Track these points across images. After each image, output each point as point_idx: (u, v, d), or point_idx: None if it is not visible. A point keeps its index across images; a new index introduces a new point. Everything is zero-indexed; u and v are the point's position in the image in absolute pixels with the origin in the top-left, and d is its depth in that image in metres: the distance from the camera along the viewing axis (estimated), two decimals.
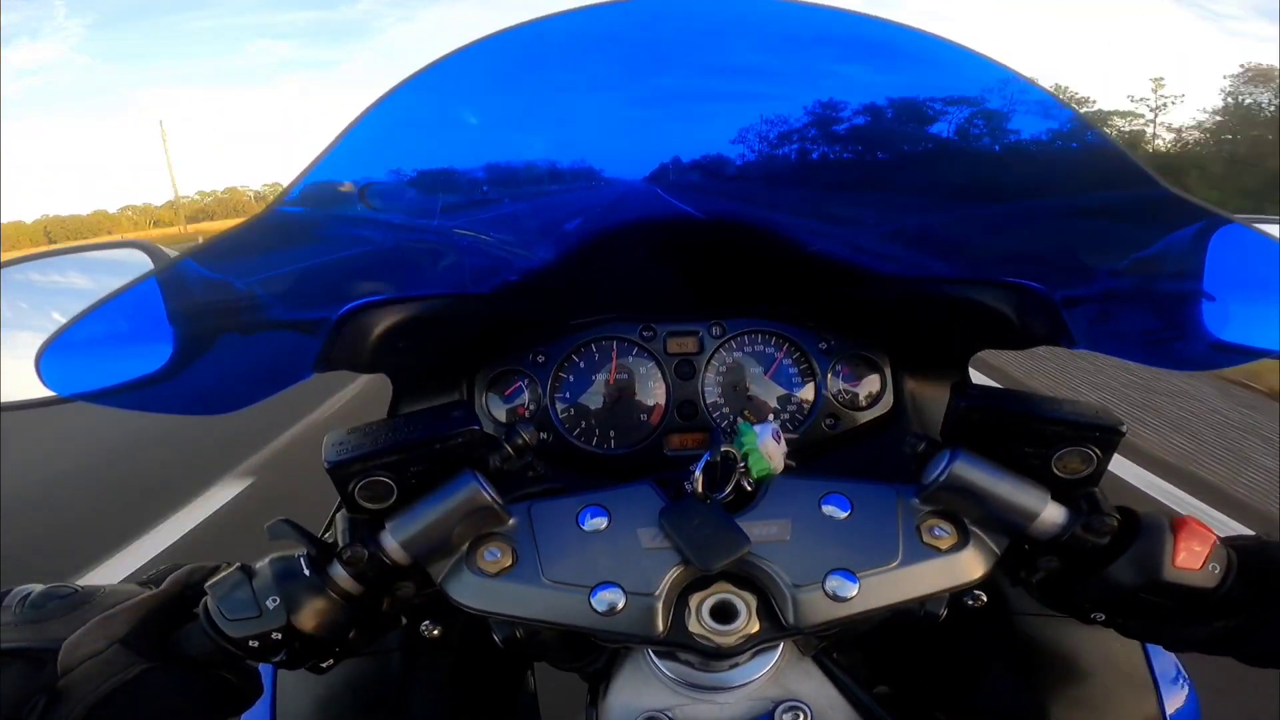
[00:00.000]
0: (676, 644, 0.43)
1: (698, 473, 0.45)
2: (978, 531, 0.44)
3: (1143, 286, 0.53)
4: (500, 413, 0.73)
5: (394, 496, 0.43)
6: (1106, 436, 0.42)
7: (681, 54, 0.53)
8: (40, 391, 0.48)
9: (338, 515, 0.45)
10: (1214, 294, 0.49)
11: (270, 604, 0.41)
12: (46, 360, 0.45)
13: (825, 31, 0.51)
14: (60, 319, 0.46)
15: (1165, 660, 0.60)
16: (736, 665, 0.49)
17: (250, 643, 0.41)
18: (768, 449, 0.46)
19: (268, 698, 0.59)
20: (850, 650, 0.65)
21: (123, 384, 0.48)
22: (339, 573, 0.43)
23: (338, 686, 0.60)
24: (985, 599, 0.58)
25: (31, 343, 0.46)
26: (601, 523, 0.44)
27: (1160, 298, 0.53)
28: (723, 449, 0.45)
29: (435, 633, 0.58)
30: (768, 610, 0.43)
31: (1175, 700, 0.57)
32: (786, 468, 0.48)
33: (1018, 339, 0.56)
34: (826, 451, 0.72)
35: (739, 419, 0.47)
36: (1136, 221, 0.51)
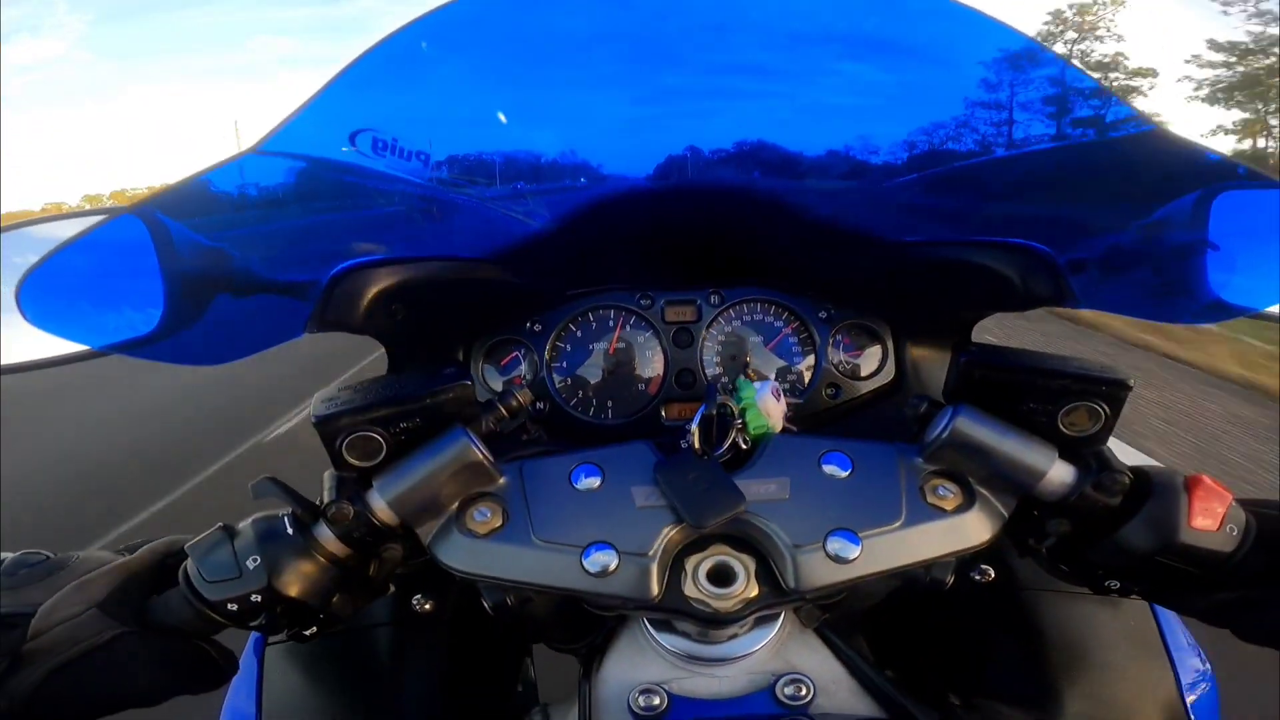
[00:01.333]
0: (671, 609, 0.41)
1: (694, 428, 0.43)
2: (983, 492, 0.43)
3: (1146, 243, 0.52)
4: (496, 383, 0.72)
5: (383, 454, 0.42)
6: (1114, 391, 0.41)
7: (686, 51, 0.53)
8: (39, 353, 0.48)
9: (326, 474, 0.44)
10: (1218, 248, 0.48)
11: (251, 564, 0.40)
12: (28, 294, 0.44)
13: (829, 27, 0.52)
14: None
15: (1181, 639, 0.58)
16: (736, 636, 0.48)
17: (229, 605, 0.40)
18: (766, 406, 0.45)
19: (254, 672, 0.58)
20: (854, 630, 0.63)
21: (117, 343, 0.48)
22: (324, 533, 0.42)
23: (326, 661, 0.58)
24: (993, 574, 0.56)
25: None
26: (594, 481, 0.43)
27: (1164, 253, 0.52)
28: (719, 401, 0.44)
29: (427, 607, 0.57)
30: (767, 573, 0.41)
31: (1192, 678, 0.55)
32: (785, 429, 0.47)
33: (1020, 301, 0.55)
34: (827, 422, 0.71)
35: (740, 376, 0.46)
36: (1138, 170, 0.50)
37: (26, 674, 0.37)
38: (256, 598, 0.40)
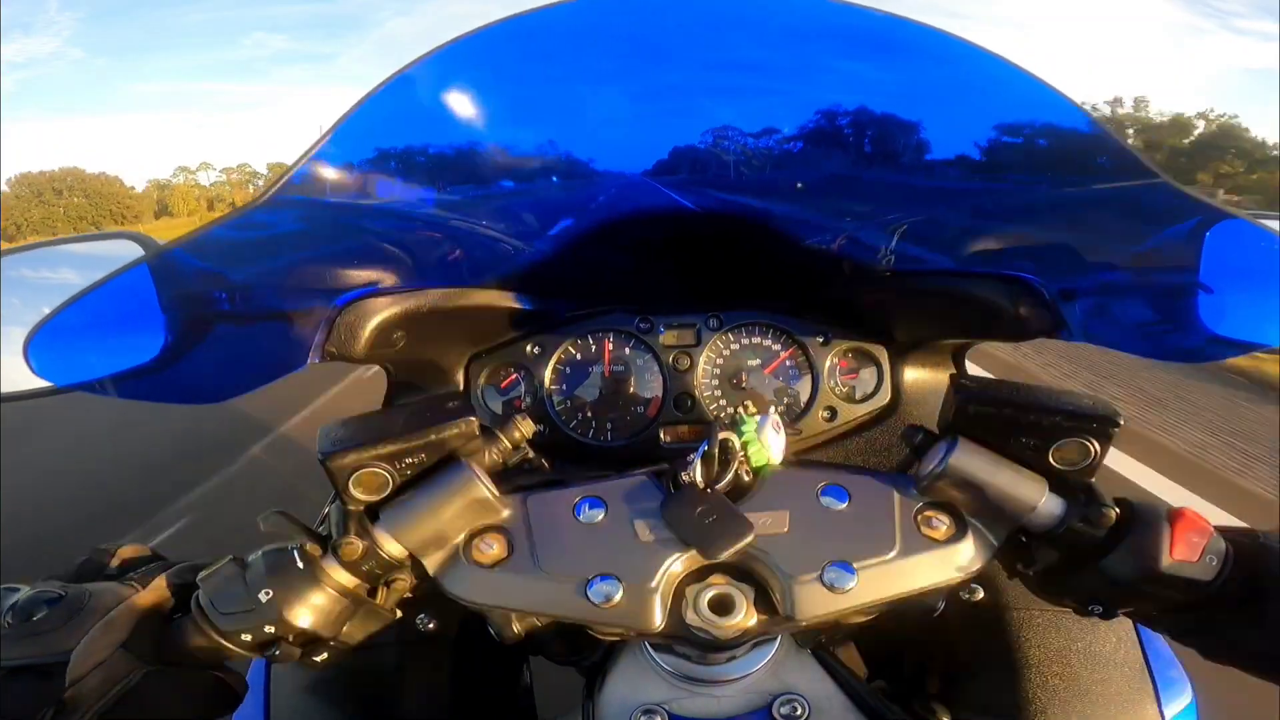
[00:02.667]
0: (674, 636, 0.42)
1: (697, 461, 0.45)
2: (975, 522, 0.44)
3: (1140, 279, 0.53)
4: (497, 405, 0.73)
5: (389, 488, 0.43)
6: (1104, 427, 0.42)
7: (683, 49, 0.53)
8: (36, 382, 0.48)
9: (331, 507, 0.44)
10: (1211, 287, 0.49)
11: (263, 597, 0.40)
12: (36, 348, 0.44)
13: (827, 26, 0.52)
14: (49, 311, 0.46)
15: (1164, 658, 0.60)
16: (734, 658, 0.49)
17: (243, 636, 0.40)
18: (767, 439, 0.46)
19: (261, 693, 0.58)
20: (847, 645, 0.65)
21: (116, 374, 0.48)
22: (333, 565, 0.42)
23: (332, 681, 0.59)
24: (981, 594, 0.58)
25: (24, 336, 0.47)
26: (598, 514, 0.44)
27: (1157, 290, 0.53)
28: (721, 436, 0.45)
29: (431, 626, 0.58)
30: (765, 602, 0.42)
31: (1173, 698, 0.57)
32: (787, 458, 0.48)
33: (1015, 331, 0.56)
34: (824, 445, 0.72)
35: (739, 409, 0.47)
36: (1135, 215, 0.51)
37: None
38: (270, 629, 0.40)
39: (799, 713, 0.48)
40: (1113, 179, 0.49)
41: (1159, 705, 0.56)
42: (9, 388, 0.49)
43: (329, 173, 0.47)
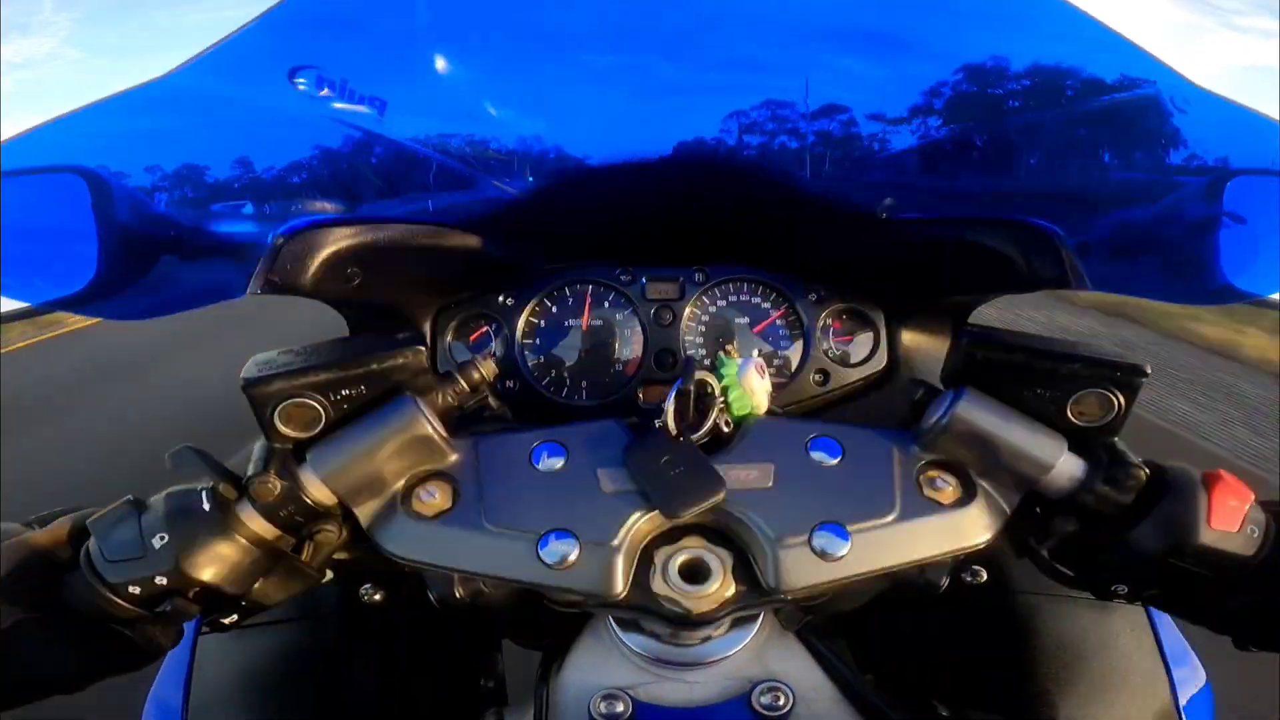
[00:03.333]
0: (638, 607, 0.37)
1: (670, 402, 0.39)
2: (985, 485, 0.39)
3: (1158, 226, 0.50)
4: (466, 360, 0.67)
5: (321, 424, 0.37)
6: (1128, 377, 0.37)
7: (679, 45, 0.51)
8: None
9: (255, 446, 0.39)
10: (1231, 233, 0.47)
11: (157, 543, 0.35)
12: None
13: (823, 22, 0.50)
14: None
15: (1177, 645, 0.55)
16: (710, 639, 0.44)
17: (130, 588, 0.35)
18: (750, 384, 0.41)
19: (185, 661, 0.53)
20: (836, 634, 0.60)
21: (52, 300, 0.46)
22: (247, 511, 0.37)
23: (264, 655, 0.54)
24: (985, 576, 0.53)
25: None
26: (558, 462, 0.39)
27: (1176, 237, 0.50)
28: (698, 377, 0.40)
29: (376, 598, 0.52)
30: (745, 570, 0.37)
31: (1189, 687, 0.53)
32: (770, 410, 0.43)
33: (1024, 282, 0.52)
34: (815, 411, 0.67)
35: (720, 353, 0.42)
36: (1157, 141, 0.48)
37: None
38: (162, 580, 0.35)
39: (781, 702, 0.43)
40: (1132, 90, 0.46)
41: (1174, 693, 0.52)
42: None
43: (263, 59, 0.42)
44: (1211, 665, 0.57)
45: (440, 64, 0.49)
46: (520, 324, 0.66)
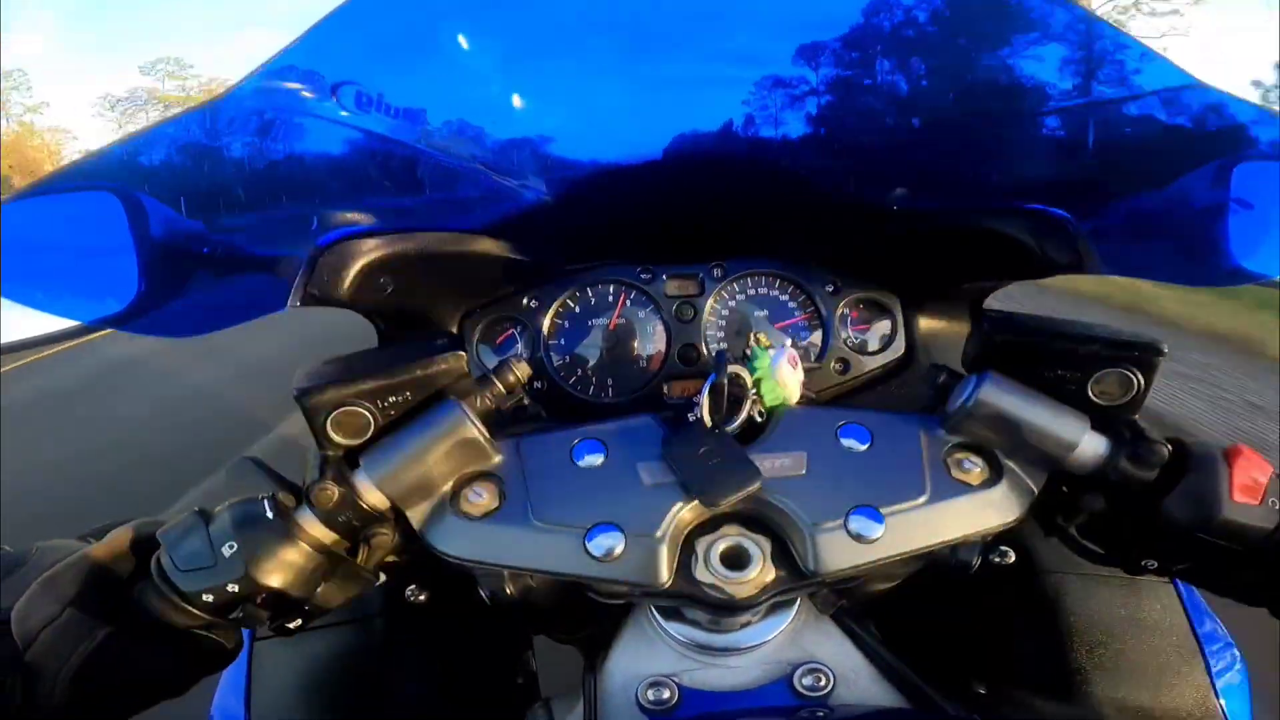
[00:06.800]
0: (682, 595, 0.38)
1: (704, 397, 0.41)
2: (1011, 465, 0.40)
3: (1168, 210, 0.51)
4: (492, 362, 0.69)
5: (371, 430, 0.39)
6: (1147, 356, 0.39)
7: (684, 39, 0.52)
8: (33, 331, 0.48)
9: (310, 456, 0.41)
10: (1239, 218, 0.48)
11: (227, 551, 0.36)
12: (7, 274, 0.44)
13: (836, 15, 0.51)
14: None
15: (1207, 620, 0.56)
16: (749, 625, 0.45)
17: (204, 597, 0.36)
18: (783, 375, 0.42)
19: (244, 667, 0.55)
20: (867, 617, 0.61)
21: (99, 319, 0.48)
22: (307, 517, 0.39)
23: (317, 656, 0.56)
24: (1014, 557, 0.54)
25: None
26: (598, 459, 0.40)
27: (1185, 221, 0.51)
28: (731, 370, 0.41)
29: (421, 598, 0.54)
30: (784, 555, 0.39)
31: (1220, 661, 0.53)
32: (803, 397, 0.44)
33: (1038, 269, 0.53)
34: (836, 400, 0.68)
35: (752, 344, 0.44)
36: (1170, 134, 0.48)
37: (45, 688, 0.35)
38: (234, 588, 0.36)
39: (823, 683, 0.44)
40: (1144, 88, 0.47)
41: (1208, 670, 0.52)
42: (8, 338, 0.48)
43: (305, 79, 0.44)
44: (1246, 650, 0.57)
45: (462, 41, 0.50)
46: (545, 325, 0.68)
